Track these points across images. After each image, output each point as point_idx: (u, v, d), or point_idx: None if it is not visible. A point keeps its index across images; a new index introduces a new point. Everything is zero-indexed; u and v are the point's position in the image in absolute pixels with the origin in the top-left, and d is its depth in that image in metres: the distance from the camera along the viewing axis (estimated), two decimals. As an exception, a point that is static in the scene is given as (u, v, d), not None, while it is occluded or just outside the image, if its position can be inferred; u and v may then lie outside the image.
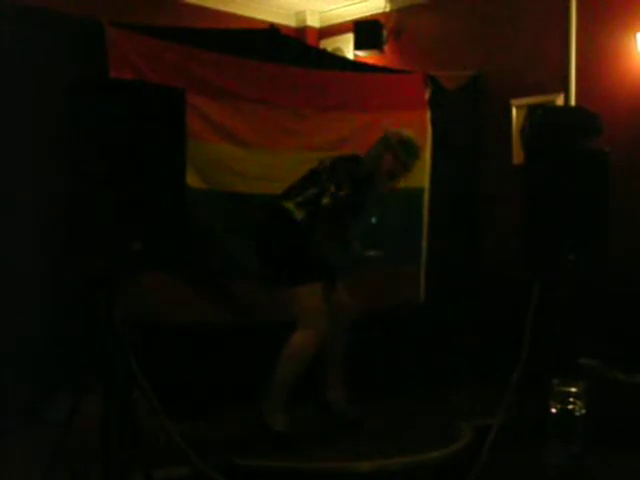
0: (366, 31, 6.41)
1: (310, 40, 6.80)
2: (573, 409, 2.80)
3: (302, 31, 6.95)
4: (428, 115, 5.40)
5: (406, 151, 4.03)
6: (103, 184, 2.58)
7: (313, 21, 7.03)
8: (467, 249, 5.55)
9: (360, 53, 6.49)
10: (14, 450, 3.24)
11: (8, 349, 3.45)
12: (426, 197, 5.36)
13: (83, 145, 2.59)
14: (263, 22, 6.05)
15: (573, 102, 5.27)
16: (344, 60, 5.96)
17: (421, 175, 5.31)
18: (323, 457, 3.54)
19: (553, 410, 2.84)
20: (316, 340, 3.83)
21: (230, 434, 3.86)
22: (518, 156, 5.33)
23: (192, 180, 4.00)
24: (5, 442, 3.27)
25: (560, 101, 5.32)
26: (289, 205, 3.87)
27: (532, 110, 3.71)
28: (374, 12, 6.53)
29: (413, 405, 4.44)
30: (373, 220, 5.06)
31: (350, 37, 6.58)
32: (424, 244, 5.36)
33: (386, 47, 6.42)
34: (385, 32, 6.39)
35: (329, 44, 6.85)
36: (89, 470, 2.74)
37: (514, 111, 5.58)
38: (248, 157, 4.51)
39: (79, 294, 3.38)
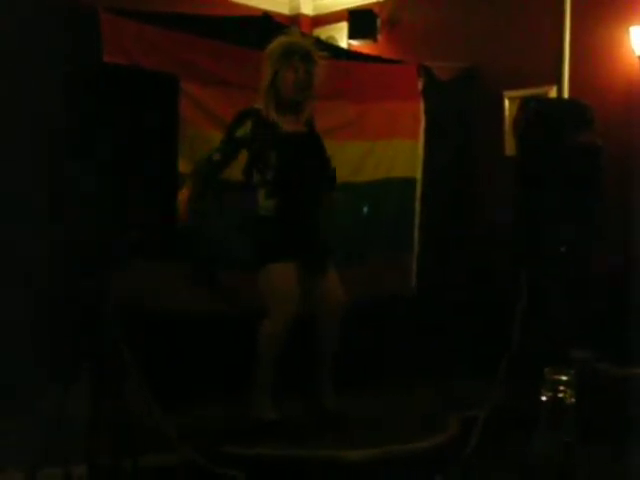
0: (360, 20, 6.41)
1: (304, 28, 6.76)
2: (564, 397, 2.81)
3: (296, 19, 6.93)
4: (421, 106, 5.40)
5: (282, 52, 3.77)
6: (96, 171, 2.57)
7: (307, 9, 7.02)
8: (459, 239, 5.56)
9: (354, 42, 6.48)
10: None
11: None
12: (418, 187, 5.37)
13: (79, 131, 2.57)
14: (256, 9, 6.02)
15: (566, 95, 5.28)
16: (337, 49, 5.94)
17: (413, 165, 5.33)
18: (312, 445, 3.54)
19: (544, 398, 2.84)
20: (280, 329, 3.69)
21: (219, 422, 3.86)
22: (510, 148, 5.34)
23: (185, 167, 3.99)
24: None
25: (553, 94, 5.34)
26: None
27: (525, 102, 3.70)
28: (369, 1, 6.53)
29: (402, 395, 4.45)
30: (365, 210, 5.09)
31: (344, 26, 6.58)
32: (416, 234, 5.37)
33: (380, 37, 6.42)
34: (379, 22, 6.39)
35: (323, 33, 6.83)
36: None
37: (507, 103, 5.60)
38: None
39: (70, 282, 3.36)
